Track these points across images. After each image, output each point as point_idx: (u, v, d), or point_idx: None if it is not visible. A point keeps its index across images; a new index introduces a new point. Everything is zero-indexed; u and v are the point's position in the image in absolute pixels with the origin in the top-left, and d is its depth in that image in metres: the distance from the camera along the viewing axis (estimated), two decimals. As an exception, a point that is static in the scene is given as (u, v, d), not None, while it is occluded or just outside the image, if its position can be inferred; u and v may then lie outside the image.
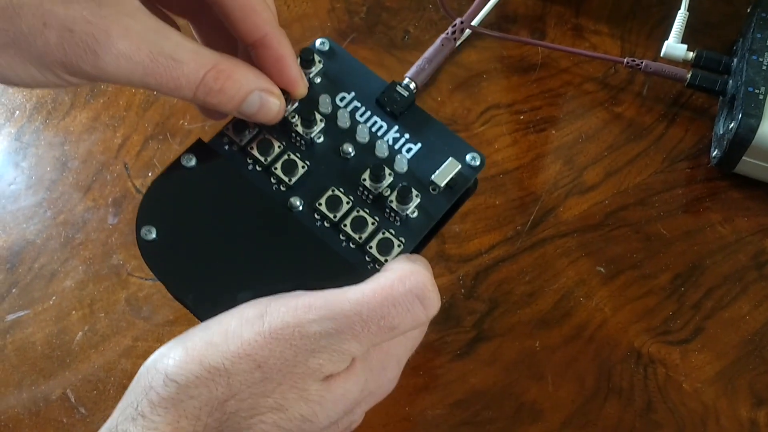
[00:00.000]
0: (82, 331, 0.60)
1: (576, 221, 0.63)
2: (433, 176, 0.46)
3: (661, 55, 0.65)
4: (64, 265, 0.62)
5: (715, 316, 0.60)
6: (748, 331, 0.59)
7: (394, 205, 0.45)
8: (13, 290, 0.61)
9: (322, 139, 0.47)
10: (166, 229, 0.45)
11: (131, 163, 0.65)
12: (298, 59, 0.47)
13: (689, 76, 0.64)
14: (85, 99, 0.68)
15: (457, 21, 0.57)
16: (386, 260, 0.45)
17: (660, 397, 0.57)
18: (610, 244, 0.62)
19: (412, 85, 0.50)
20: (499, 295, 0.60)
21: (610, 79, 0.68)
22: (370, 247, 0.45)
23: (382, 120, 0.48)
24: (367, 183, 0.46)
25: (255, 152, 0.46)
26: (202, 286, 0.44)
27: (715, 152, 0.63)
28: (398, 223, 0.46)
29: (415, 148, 0.47)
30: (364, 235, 0.45)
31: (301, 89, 0.47)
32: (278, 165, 0.46)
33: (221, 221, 0.45)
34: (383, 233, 0.45)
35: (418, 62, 0.52)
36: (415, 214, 0.46)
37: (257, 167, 0.46)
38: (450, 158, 0.47)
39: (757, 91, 0.60)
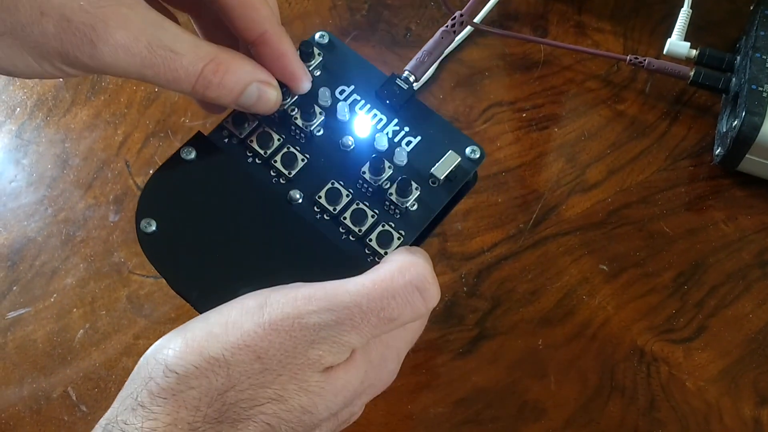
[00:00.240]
0: (83, 329, 0.59)
1: (578, 219, 0.62)
2: (432, 169, 0.46)
3: (664, 52, 0.65)
4: (65, 263, 0.62)
5: (719, 315, 0.59)
6: (751, 329, 0.59)
7: (393, 197, 0.45)
8: (14, 288, 0.61)
9: (321, 132, 0.47)
10: (166, 222, 0.45)
11: (132, 161, 0.65)
12: (298, 52, 0.47)
13: (692, 73, 0.64)
14: (86, 96, 0.68)
15: (457, 14, 0.57)
16: (386, 253, 0.45)
17: (663, 396, 0.57)
18: (613, 242, 0.62)
19: (412, 78, 0.50)
20: (502, 293, 0.60)
21: (613, 77, 0.68)
22: (370, 240, 0.45)
23: (381, 113, 0.48)
24: (367, 176, 0.46)
25: (255, 145, 0.46)
26: (202, 278, 0.44)
27: (718, 150, 0.63)
28: (398, 216, 0.46)
29: (415, 140, 0.47)
30: (364, 228, 0.45)
31: (305, 84, 0.47)
32: (278, 158, 0.46)
33: (221, 214, 0.45)
34: (383, 226, 0.45)
35: (418, 55, 0.52)
36: (415, 207, 0.46)
37: (257, 160, 0.46)
38: (450, 151, 0.47)
39: (760, 88, 0.59)
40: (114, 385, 0.58)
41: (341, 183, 0.46)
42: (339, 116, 0.47)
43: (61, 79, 0.68)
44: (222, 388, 0.39)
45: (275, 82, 0.45)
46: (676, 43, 0.65)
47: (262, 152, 0.46)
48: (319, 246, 0.45)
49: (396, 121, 0.48)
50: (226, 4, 0.44)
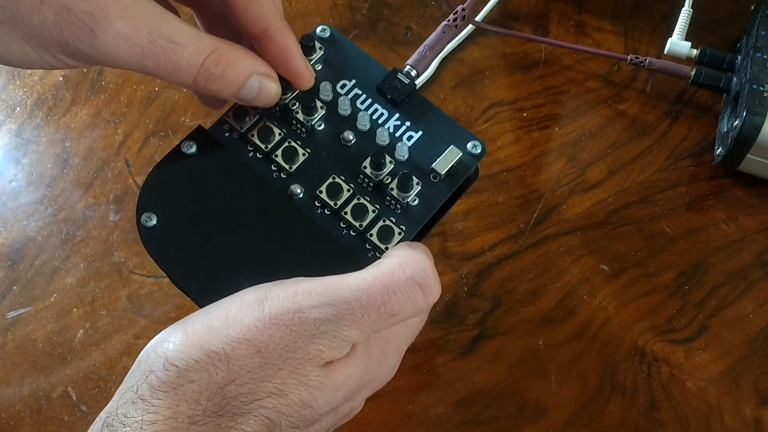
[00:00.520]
0: (83, 329, 0.59)
1: (579, 219, 0.62)
2: (434, 164, 0.46)
3: (665, 52, 0.65)
4: (65, 263, 0.61)
5: (720, 315, 0.59)
6: (752, 329, 0.59)
7: (394, 192, 0.45)
8: (14, 287, 0.61)
9: (322, 127, 0.47)
10: (167, 216, 0.45)
11: (132, 160, 0.65)
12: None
13: (693, 73, 0.64)
14: (86, 95, 0.68)
15: (459, 8, 0.57)
16: (387, 248, 0.45)
17: (664, 396, 0.57)
18: (614, 242, 0.61)
19: (413, 73, 0.50)
20: (502, 293, 0.60)
21: (614, 77, 0.68)
22: (371, 235, 0.45)
23: (382, 107, 0.48)
24: (368, 170, 0.46)
25: (255, 139, 0.46)
26: (202, 272, 0.44)
27: (719, 150, 0.63)
28: (399, 211, 0.45)
29: (416, 135, 0.47)
30: (365, 223, 0.45)
31: (308, 80, 0.47)
32: (279, 152, 0.46)
33: (221, 208, 0.45)
34: (384, 221, 0.45)
35: (420, 49, 0.52)
36: (416, 202, 0.46)
37: (258, 154, 0.46)
38: (451, 146, 0.46)
39: (761, 88, 0.59)
40: (114, 385, 0.57)
41: (342, 178, 0.46)
42: (340, 111, 0.47)
43: (61, 79, 0.68)
44: (222, 382, 0.39)
45: (275, 75, 0.45)
46: (677, 42, 0.65)
47: (263, 146, 0.46)
48: (319, 241, 0.45)
49: (397, 115, 0.48)
50: None
